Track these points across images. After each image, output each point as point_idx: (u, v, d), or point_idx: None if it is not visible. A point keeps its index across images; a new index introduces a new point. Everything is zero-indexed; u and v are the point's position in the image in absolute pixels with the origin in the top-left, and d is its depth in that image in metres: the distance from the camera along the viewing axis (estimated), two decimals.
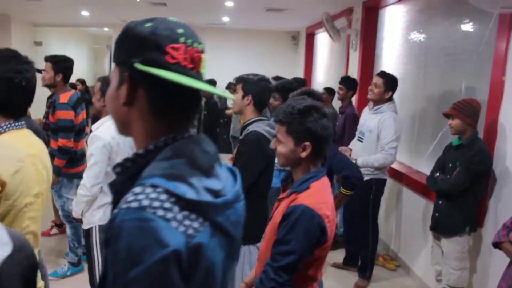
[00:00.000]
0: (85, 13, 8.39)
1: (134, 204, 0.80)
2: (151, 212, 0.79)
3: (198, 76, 0.95)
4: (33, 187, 1.76)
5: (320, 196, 1.75)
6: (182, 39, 0.93)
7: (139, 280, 0.77)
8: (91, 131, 2.91)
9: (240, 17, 8.53)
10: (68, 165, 3.96)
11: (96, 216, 2.82)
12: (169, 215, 0.80)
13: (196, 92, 0.97)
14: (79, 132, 4.10)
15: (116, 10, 7.92)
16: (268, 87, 2.81)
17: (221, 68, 8.35)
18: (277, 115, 1.82)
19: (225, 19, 8.69)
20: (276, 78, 5.86)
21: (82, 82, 7.52)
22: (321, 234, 1.69)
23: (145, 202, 0.80)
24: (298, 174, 1.84)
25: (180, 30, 0.94)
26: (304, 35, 9.61)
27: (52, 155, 3.27)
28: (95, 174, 2.71)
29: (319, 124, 1.76)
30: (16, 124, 1.77)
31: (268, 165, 2.68)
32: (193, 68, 0.94)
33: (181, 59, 0.92)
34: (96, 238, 2.82)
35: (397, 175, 4.57)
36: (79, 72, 8.26)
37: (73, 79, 5.92)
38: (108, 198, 2.82)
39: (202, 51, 0.96)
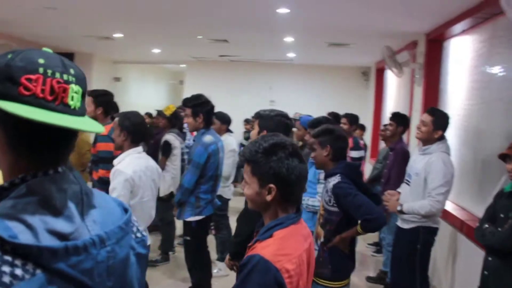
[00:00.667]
0: (156, 50, 8.80)
1: None
2: None
3: (62, 109, 0.86)
4: None
5: (282, 247, 1.50)
6: (41, 70, 0.85)
7: None
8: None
9: (305, 53, 8.45)
10: None
11: None
12: None
13: (66, 119, 0.86)
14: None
15: (182, 47, 8.22)
16: (285, 123, 2.68)
17: (290, 104, 8.25)
18: (243, 154, 1.63)
19: (291, 55, 8.65)
20: (331, 114, 5.64)
21: (149, 115, 7.75)
22: None
23: None
24: (267, 220, 1.63)
25: (41, 61, 0.86)
26: (374, 71, 9.29)
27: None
28: None
29: (283, 165, 1.54)
30: None
31: None
32: (54, 100, 0.85)
33: (38, 91, 0.84)
34: None
35: (456, 222, 4.07)
36: (157, 106, 8.58)
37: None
38: None
39: (67, 82, 0.88)
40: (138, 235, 1.07)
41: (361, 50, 7.39)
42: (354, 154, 5.12)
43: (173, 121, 5.42)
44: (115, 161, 2.95)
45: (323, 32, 6.12)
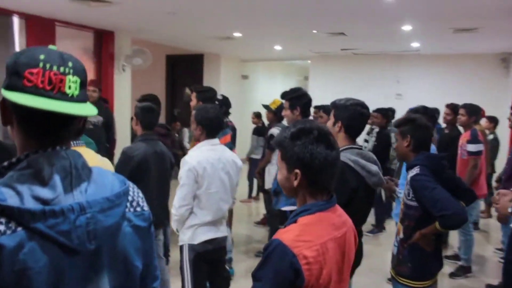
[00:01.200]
0: (277, 47, 8.99)
1: None
2: None
3: (60, 97, 1.02)
4: None
5: (303, 233, 1.47)
6: (41, 64, 1.01)
7: None
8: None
9: (430, 42, 7.88)
10: None
11: (186, 235, 2.94)
12: None
13: (62, 105, 1.02)
14: None
15: (302, 43, 8.27)
16: (360, 112, 2.56)
17: (419, 98, 7.79)
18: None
19: (415, 44, 8.14)
20: (450, 105, 5.26)
21: (258, 115, 7.89)
22: (295, 277, 1.42)
23: None
24: (298, 205, 1.60)
25: (42, 56, 1.02)
26: None
27: None
28: (182, 196, 2.85)
29: (307, 150, 1.50)
30: (74, 142, 2.11)
31: (353, 198, 2.39)
32: (52, 89, 1.01)
33: (38, 82, 1.00)
34: (186, 256, 2.94)
35: None
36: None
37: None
38: (197, 219, 2.93)
39: (64, 73, 1.02)
40: (138, 209, 1.18)
41: (495, 34, 6.65)
42: (471, 147, 4.67)
43: (279, 114, 5.51)
44: (189, 151, 3.11)
45: (444, 17, 5.65)
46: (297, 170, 1.53)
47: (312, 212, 1.54)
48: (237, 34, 7.42)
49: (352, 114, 2.53)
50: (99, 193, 1.07)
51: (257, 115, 7.86)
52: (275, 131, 5.39)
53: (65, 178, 1.02)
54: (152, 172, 3.22)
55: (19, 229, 0.93)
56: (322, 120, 5.18)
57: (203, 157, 2.88)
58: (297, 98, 3.98)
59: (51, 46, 1.08)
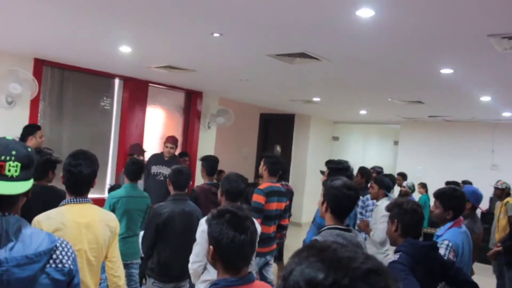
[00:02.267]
0: (363, 112, 9.06)
1: None
2: None
3: (1, 177, 1.43)
4: (74, 244, 2.34)
5: None
6: None
7: None
8: None
9: None
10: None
11: None
12: None
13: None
14: (270, 218, 4.56)
15: (383, 108, 8.27)
16: (347, 195, 2.60)
17: None
18: None
19: (506, 114, 7.66)
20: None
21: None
22: None
23: None
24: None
25: None
26: None
27: None
28: (195, 253, 3.12)
29: (218, 229, 1.74)
30: (76, 200, 2.46)
31: None
32: None
33: None
34: None
35: None
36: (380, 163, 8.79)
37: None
38: (209, 276, 3.15)
39: (5, 160, 1.44)
40: (60, 265, 1.54)
41: None
42: None
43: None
44: None
45: None
46: (211, 246, 1.76)
47: (220, 286, 1.73)
48: (316, 99, 7.70)
49: (338, 196, 2.57)
50: (23, 251, 1.42)
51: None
52: None
53: None
54: (177, 229, 3.55)
55: None
56: (373, 191, 5.13)
57: None
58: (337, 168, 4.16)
59: (8, 137, 1.53)
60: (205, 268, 3.16)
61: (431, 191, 8.07)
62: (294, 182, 10.77)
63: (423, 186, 8.48)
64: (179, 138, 7.92)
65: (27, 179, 1.50)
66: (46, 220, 2.29)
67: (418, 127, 10.00)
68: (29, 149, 1.56)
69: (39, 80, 5.32)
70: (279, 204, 4.59)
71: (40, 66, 5.45)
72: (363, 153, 11.47)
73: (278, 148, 11.42)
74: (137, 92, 6.82)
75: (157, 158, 6.15)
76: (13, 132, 5.23)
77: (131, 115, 6.76)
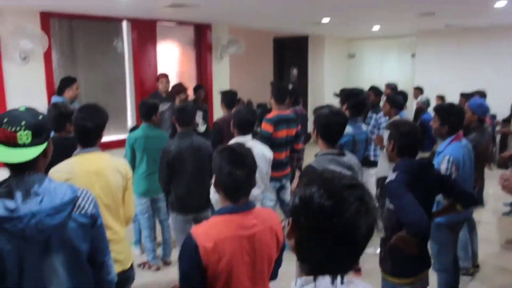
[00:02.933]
0: (375, 28, 8.86)
1: None
2: None
3: (14, 145, 1.69)
4: None
5: (209, 229, 1.96)
6: (3, 126, 1.68)
7: None
8: None
9: None
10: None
11: None
12: None
13: (11, 154, 1.69)
14: (280, 145, 4.76)
15: (398, 22, 8.05)
16: (333, 121, 2.80)
17: None
18: None
19: None
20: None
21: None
22: (197, 261, 1.89)
23: None
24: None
25: (5, 120, 1.69)
26: None
27: None
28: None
29: (218, 164, 2.01)
30: (83, 150, 2.72)
31: None
32: (8, 142, 1.68)
33: (2, 137, 1.68)
34: None
35: None
36: (394, 81, 8.71)
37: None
38: None
39: (16, 131, 1.68)
40: (82, 212, 1.83)
41: None
42: None
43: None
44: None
45: None
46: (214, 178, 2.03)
47: (220, 213, 2.02)
48: (325, 20, 7.56)
49: (325, 123, 2.80)
50: (51, 202, 1.70)
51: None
52: None
53: (25, 195, 1.67)
54: (188, 164, 3.79)
55: None
56: (385, 109, 5.19)
57: None
58: (348, 96, 4.32)
59: (21, 108, 1.75)
60: None
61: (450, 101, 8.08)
62: (313, 103, 10.87)
63: (441, 98, 8.41)
64: (192, 72, 8.04)
65: (39, 144, 1.73)
66: (55, 172, 2.56)
67: (435, 38, 9.73)
68: (40, 117, 1.77)
69: (48, 33, 5.43)
70: (289, 130, 4.77)
71: (47, 19, 5.53)
72: (381, 68, 11.31)
73: (295, 71, 11.40)
74: (146, 32, 6.86)
75: (155, 99, 6.24)
76: (32, 86, 5.47)
77: (143, 55, 6.86)
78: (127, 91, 6.91)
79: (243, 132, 3.56)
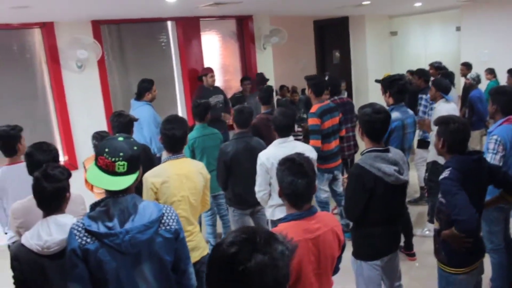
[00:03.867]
0: (418, 3, 8.65)
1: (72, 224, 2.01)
2: (72, 227, 1.95)
3: (112, 173, 1.97)
4: (178, 192, 2.97)
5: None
6: (104, 155, 1.97)
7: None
8: None
9: None
10: (320, 161, 4.82)
11: (268, 213, 3.73)
12: (76, 232, 1.93)
13: (108, 181, 1.98)
14: (327, 135, 4.87)
15: None
16: (375, 119, 2.90)
17: None
18: None
19: None
20: None
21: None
22: None
23: (74, 224, 1.97)
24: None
25: (107, 150, 1.97)
26: None
27: None
28: (258, 184, 3.60)
29: (280, 174, 2.21)
30: (173, 156, 3.08)
31: (372, 196, 2.85)
32: (107, 169, 1.96)
33: (102, 164, 1.97)
34: (269, 228, 3.70)
35: None
36: (437, 57, 8.49)
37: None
38: (274, 201, 3.62)
39: (115, 161, 1.95)
40: (168, 227, 2.10)
41: None
42: None
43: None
44: None
45: None
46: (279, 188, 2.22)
47: (287, 220, 2.20)
48: (366, 2, 7.48)
49: (369, 121, 2.91)
50: (141, 220, 1.99)
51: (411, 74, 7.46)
52: None
53: (120, 214, 1.97)
54: (244, 163, 3.98)
55: (96, 241, 1.92)
56: (431, 93, 5.14)
57: (272, 153, 3.53)
58: (390, 83, 4.37)
59: (120, 138, 2.01)
60: (270, 195, 3.63)
61: (502, 76, 7.83)
62: (357, 84, 10.80)
63: (491, 71, 8.14)
64: (237, 64, 8.19)
65: (133, 172, 2.01)
66: (154, 176, 2.95)
67: (480, 9, 9.35)
68: (135, 148, 2.03)
69: (100, 40, 5.73)
70: (333, 120, 4.88)
71: (98, 27, 5.83)
72: (425, 44, 11.05)
73: (337, 54, 11.32)
74: (190, 28, 7.05)
75: (206, 93, 6.51)
76: (89, 92, 5.80)
77: (189, 52, 7.07)
78: (176, 87, 7.17)
79: (283, 135, 3.68)
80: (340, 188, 5.13)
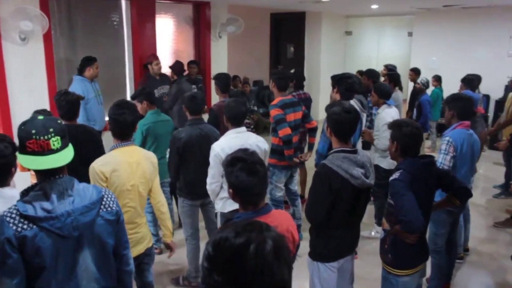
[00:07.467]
0: (374, 6, 8.82)
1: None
2: (3, 215, 1.77)
3: (49, 152, 1.82)
4: (128, 181, 2.81)
5: None
6: (34, 137, 1.80)
7: None
8: None
9: None
10: (278, 157, 4.76)
11: (218, 205, 3.60)
12: (10, 219, 1.76)
13: (49, 160, 1.82)
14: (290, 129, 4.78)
15: (397, 1, 8.03)
16: (344, 118, 2.79)
17: None
18: None
19: None
20: None
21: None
22: None
23: (5, 211, 1.79)
24: None
25: (33, 131, 1.79)
26: None
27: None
28: (211, 175, 3.48)
29: (233, 176, 2.08)
30: (123, 143, 2.89)
31: (337, 197, 2.75)
32: (43, 150, 1.81)
33: (34, 148, 1.80)
34: (219, 221, 3.64)
35: None
36: (390, 59, 8.69)
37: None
38: (226, 193, 3.52)
39: (48, 139, 1.81)
40: (109, 209, 2.00)
41: None
42: None
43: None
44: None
45: None
46: (231, 189, 2.12)
47: (241, 219, 2.06)
48: None
49: (338, 120, 2.80)
50: (81, 202, 1.87)
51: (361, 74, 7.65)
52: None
53: (59, 196, 1.83)
54: (197, 151, 3.84)
55: (34, 227, 1.77)
56: (373, 99, 5.19)
57: (226, 144, 3.42)
58: (339, 79, 4.40)
59: (39, 117, 1.83)
60: (221, 187, 3.54)
61: (446, 83, 8.16)
62: (309, 80, 10.88)
63: (437, 79, 8.44)
64: (191, 51, 8.00)
65: (66, 146, 1.89)
66: (104, 164, 2.77)
67: (432, 18, 9.72)
68: (59, 121, 1.90)
69: (47, 13, 5.35)
70: (296, 114, 4.79)
71: None
72: (377, 46, 11.33)
73: (292, 48, 11.35)
74: (144, 10, 6.78)
75: (152, 83, 6.25)
76: (32, 66, 5.43)
77: (142, 33, 6.80)
78: (126, 70, 6.89)
79: (237, 124, 3.58)
80: (295, 187, 5.09)
